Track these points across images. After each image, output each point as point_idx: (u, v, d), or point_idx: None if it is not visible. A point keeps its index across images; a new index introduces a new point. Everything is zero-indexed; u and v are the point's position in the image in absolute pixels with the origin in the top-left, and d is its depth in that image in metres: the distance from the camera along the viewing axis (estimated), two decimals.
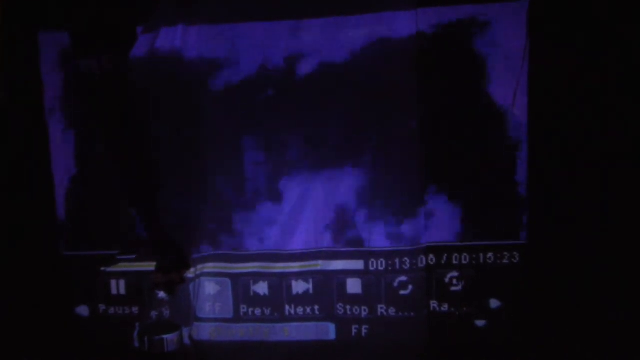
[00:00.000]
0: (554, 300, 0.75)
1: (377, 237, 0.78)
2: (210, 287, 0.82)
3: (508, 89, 0.73)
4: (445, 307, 0.79)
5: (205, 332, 0.82)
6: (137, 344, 0.80)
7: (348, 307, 0.80)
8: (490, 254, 0.77)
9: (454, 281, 0.78)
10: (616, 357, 0.73)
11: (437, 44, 0.74)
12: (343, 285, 0.80)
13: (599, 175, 0.72)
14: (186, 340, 0.81)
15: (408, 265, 0.79)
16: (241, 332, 0.82)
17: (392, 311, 0.80)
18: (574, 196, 0.73)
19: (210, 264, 0.81)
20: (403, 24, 0.74)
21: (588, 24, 0.70)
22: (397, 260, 0.79)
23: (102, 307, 0.82)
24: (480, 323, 0.78)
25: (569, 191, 0.73)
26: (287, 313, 0.81)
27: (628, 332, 0.73)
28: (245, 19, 0.76)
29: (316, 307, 0.81)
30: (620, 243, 0.73)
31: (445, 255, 0.78)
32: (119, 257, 0.82)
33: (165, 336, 0.77)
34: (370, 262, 0.79)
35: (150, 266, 0.81)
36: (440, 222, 0.77)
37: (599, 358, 0.73)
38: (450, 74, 0.74)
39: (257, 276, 0.81)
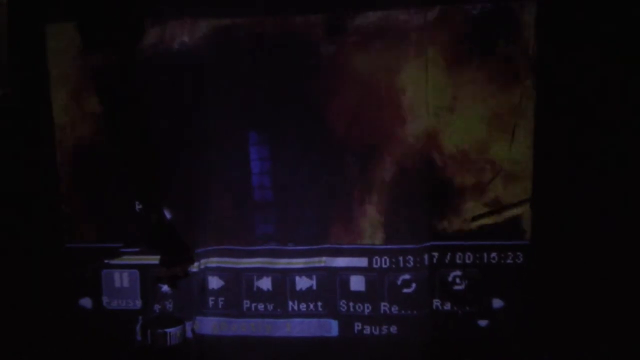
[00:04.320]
0: (557, 301, 0.75)
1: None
2: (213, 282, 0.82)
3: None
4: (448, 306, 0.79)
5: (208, 326, 0.82)
6: (139, 337, 0.81)
7: (351, 304, 0.80)
8: (494, 254, 0.77)
9: (457, 280, 0.79)
10: (619, 358, 0.73)
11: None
12: (346, 282, 0.80)
13: (603, 175, 0.73)
14: (189, 334, 0.81)
15: (412, 264, 0.79)
16: (244, 327, 0.82)
17: (394, 309, 0.80)
18: (578, 196, 0.73)
19: (214, 259, 0.81)
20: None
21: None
22: (400, 258, 0.79)
23: (105, 299, 0.83)
24: (482, 322, 0.79)
25: (573, 191, 0.74)
26: (290, 309, 0.81)
27: (631, 333, 0.73)
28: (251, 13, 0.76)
29: (319, 304, 0.81)
30: (624, 243, 0.73)
31: (449, 254, 0.78)
32: (122, 250, 0.82)
33: (168, 330, 0.78)
34: (374, 260, 0.79)
35: (154, 260, 0.81)
36: None
37: (601, 358, 0.73)
38: None
39: (261, 271, 0.81)
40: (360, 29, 0.74)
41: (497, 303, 0.78)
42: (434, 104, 0.75)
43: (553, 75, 0.72)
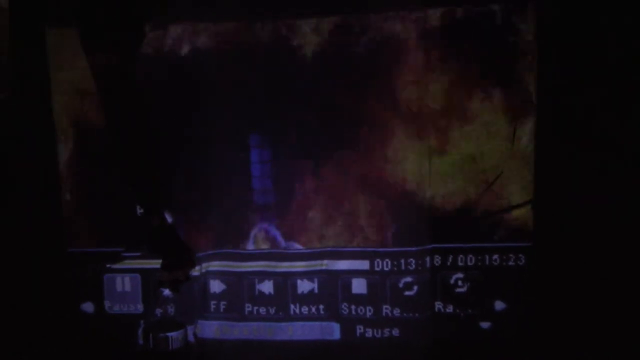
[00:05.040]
0: (559, 302, 0.75)
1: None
2: (215, 286, 0.82)
3: None
4: (450, 308, 0.79)
5: (210, 330, 0.82)
6: (141, 342, 0.81)
7: (353, 307, 0.80)
8: (495, 256, 0.77)
9: (459, 282, 0.78)
10: (620, 359, 0.73)
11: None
12: (348, 285, 0.80)
13: (604, 178, 0.72)
14: (191, 338, 0.81)
15: (413, 266, 0.79)
16: (245, 330, 0.82)
17: (396, 312, 0.80)
18: (580, 199, 0.73)
19: (216, 262, 0.81)
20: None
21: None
22: (402, 261, 0.79)
23: (107, 304, 0.83)
24: (485, 325, 0.78)
25: (575, 194, 0.73)
26: (291, 312, 0.81)
27: (632, 334, 0.73)
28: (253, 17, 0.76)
29: (321, 307, 0.81)
30: (626, 245, 0.73)
31: (451, 256, 0.78)
32: (124, 255, 0.82)
33: (169, 334, 0.77)
34: (376, 263, 0.79)
35: (155, 264, 0.81)
36: None
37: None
38: None
39: (262, 275, 0.81)
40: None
41: (499, 305, 0.78)
42: (434, 108, 0.75)
43: (554, 77, 0.72)
